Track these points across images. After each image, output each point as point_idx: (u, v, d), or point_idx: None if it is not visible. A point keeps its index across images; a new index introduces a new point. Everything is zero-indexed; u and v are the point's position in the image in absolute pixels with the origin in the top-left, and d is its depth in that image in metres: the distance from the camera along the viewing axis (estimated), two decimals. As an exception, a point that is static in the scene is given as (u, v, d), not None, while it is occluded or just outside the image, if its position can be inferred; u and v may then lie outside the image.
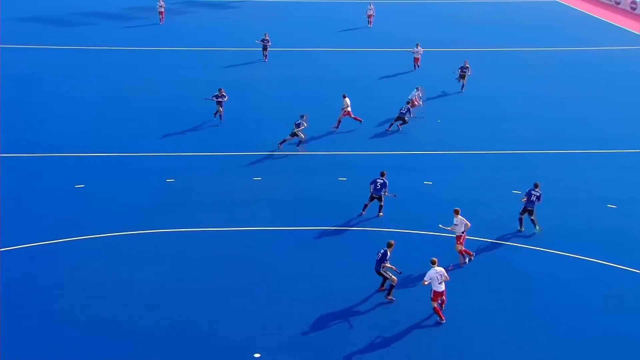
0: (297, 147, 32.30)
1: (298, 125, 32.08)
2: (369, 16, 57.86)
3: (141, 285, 21.88)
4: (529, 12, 65.88)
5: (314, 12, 63.85)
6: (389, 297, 20.95)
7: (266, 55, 47.18)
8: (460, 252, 22.98)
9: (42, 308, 20.56)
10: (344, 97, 35.15)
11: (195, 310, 20.71)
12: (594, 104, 40.32)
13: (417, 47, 45.93)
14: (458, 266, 22.71)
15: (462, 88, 41.43)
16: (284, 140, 32.13)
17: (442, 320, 19.95)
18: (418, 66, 46.03)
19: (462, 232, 22.85)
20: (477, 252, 24.02)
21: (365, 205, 26.33)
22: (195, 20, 60.00)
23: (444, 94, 41.37)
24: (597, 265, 23.26)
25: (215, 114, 35.30)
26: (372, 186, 26.08)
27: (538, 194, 24.56)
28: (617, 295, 21.67)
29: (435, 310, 20.08)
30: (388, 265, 20.73)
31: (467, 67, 41.20)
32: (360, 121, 35.34)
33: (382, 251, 20.85)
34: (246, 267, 23.03)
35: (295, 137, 32.23)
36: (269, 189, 28.71)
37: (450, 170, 30.95)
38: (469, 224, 22.82)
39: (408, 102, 35.67)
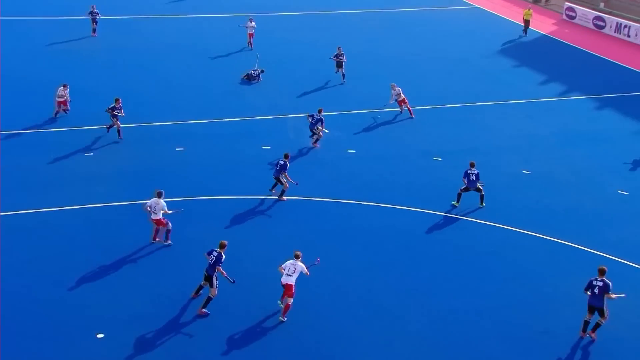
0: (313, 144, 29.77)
1: (317, 122, 29.21)
2: None
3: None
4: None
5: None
6: (203, 310, 18.87)
7: (95, 29, 44.66)
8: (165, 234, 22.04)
9: None
10: (64, 86, 31.54)
11: (33, 294, 19.61)
12: (421, 62, 42.11)
13: (249, 22, 43.25)
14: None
15: (343, 78, 37.68)
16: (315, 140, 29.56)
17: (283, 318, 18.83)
18: (250, 43, 43.14)
19: (162, 217, 21.71)
20: (319, 211, 24.46)
21: (274, 185, 25.37)
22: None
23: (279, 60, 41.49)
24: (427, 215, 24.47)
25: (109, 128, 29.59)
26: (274, 168, 25.09)
27: (476, 172, 24.36)
28: (446, 241, 22.96)
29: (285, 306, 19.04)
30: (221, 270, 18.77)
31: (342, 54, 37.32)
32: (58, 113, 31.48)
33: (215, 254, 18.78)
34: (85, 245, 22.02)
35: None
36: (103, 164, 27.54)
37: (287, 133, 31.20)
38: (167, 210, 21.68)
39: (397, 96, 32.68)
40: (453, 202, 24.91)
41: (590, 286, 18.14)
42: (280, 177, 24.88)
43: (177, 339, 18.10)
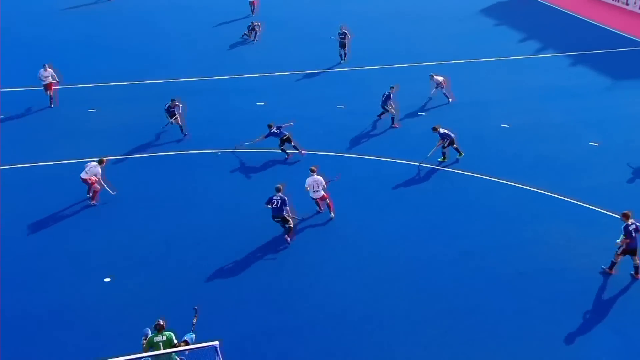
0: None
1: (388, 98, 26.95)
2: None
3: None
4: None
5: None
6: (289, 238, 19.44)
7: None
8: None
9: None
10: (45, 67, 27.90)
11: (37, 243, 19.37)
12: (406, 22, 41.33)
13: None
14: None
15: (344, 57, 34.17)
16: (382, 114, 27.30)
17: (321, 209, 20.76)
18: (255, 8, 42.01)
19: (91, 177, 20.98)
20: (310, 163, 24.02)
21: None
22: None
23: (272, 18, 40.65)
24: (414, 167, 24.17)
25: (167, 124, 25.90)
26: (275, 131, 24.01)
27: (450, 133, 23.91)
28: (432, 190, 22.69)
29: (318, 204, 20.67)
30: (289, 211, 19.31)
31: (345, 32, 33.74)
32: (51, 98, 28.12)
33: (277, 198, 18.96)
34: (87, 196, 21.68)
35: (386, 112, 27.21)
36: (107, 119, 27.06)
37: (281, 90, 30.66)
38: (101, 179, 21.16)
39: (438, 85, 29.31)
40: (439, 159, 24.42)
41: (628, 232, 17.77)
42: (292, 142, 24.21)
43: (182, 282, 17.89)
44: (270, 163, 24.13)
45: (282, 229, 19.61)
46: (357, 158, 24.73)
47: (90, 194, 21.35)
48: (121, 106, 28.25)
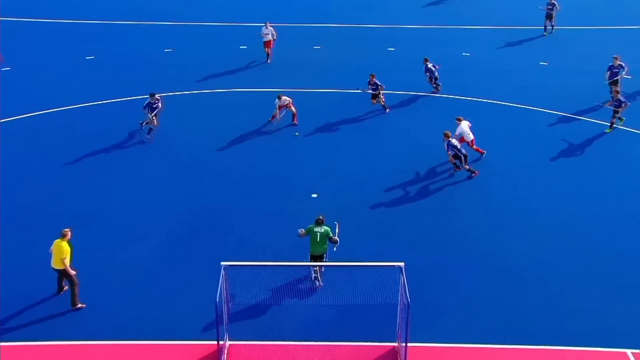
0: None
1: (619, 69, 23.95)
2: None
3: (218, 133, 22.28)
4: None
5: None
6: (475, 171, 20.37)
7: None
8: None
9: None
10: (266, 25, 27.79)
11: (265, 161, 21.11)
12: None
13: None
14: None
15: (551, 29, 30.78)
16: None
17: (483, 152, 20.96)
18: None
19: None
20: (503, 113, 23.67)
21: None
22: None
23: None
24: (603, 127, 22.61)
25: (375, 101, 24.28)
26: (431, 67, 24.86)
27: (622, 100, 22.20)
28: (616, 151, 21.45)
29: (476, 150, 20.90)
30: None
31: (554, 3, 30.39)
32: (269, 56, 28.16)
33: (451, 143, 19.90)
34: (315, 121, 22.96)
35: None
36: (329, 56, 28.45)
37: (488, 44, 30.02)
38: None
39: None
40: (609, 126, 22.70)
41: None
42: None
43: (373, 205, 18.81)
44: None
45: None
46: (543, 112, 23.86)
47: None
48: (341, 47, 29.47)
